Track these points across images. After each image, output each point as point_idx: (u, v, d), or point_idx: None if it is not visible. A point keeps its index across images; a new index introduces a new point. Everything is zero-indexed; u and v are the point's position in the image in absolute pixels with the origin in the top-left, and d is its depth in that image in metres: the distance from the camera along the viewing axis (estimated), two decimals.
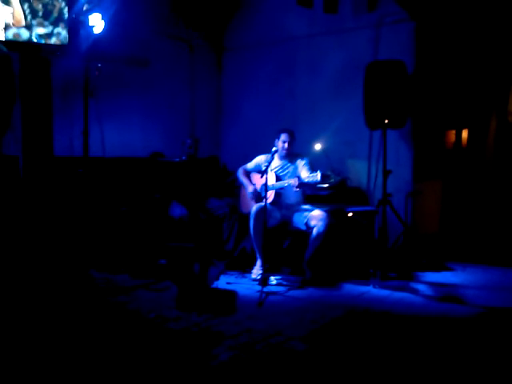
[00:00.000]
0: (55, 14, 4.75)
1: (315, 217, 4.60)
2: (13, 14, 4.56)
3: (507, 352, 3.08)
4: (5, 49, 4.11)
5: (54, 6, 4.74)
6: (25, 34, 4.64)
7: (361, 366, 2.84)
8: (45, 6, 4.70)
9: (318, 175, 4.30)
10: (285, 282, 4.59)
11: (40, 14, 4.70)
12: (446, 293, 4.35)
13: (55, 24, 4.77)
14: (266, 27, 6.90)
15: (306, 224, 4.64)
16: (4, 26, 4.53)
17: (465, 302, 4.06)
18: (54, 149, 5.01)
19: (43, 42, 4.74)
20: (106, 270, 4.75)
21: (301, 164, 4.79)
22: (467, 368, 2.83)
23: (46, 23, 4.73)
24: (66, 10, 4.80)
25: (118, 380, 2.63)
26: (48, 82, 4.95)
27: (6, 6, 4.53)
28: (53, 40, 4.78)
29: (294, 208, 4.82)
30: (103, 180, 5.23)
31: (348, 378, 2.70)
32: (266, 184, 4.41)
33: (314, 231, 4.54)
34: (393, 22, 5.86)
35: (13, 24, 4.53)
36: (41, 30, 4.72)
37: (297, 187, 4.45)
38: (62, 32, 4.80)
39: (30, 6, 4.64)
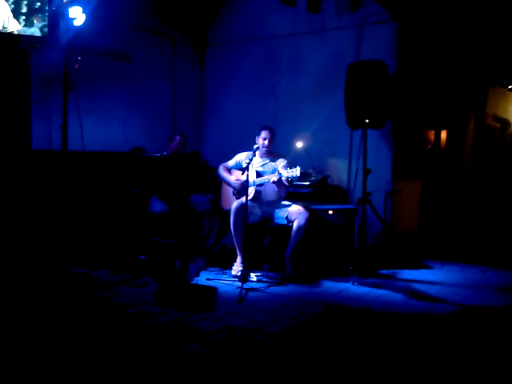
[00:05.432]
0: (35, 6, 4.66)
1: (295, 211, 4.63)
2: None
3: (482, 348, 3.13)
4: None
5: None
6: (3, 26, 4.55)
7: (339, 363, 2.86)
8: None
9: (297, 171, 4.33)
10: (265, 279, 4.59)
11: (20, 5, 4.61)
12: (423, 290, 4.40)
13: (35, 16, 4.68)
14: (249, 24, 6.88)
15: (287, 218, 4.67)
16: None
17: (442, 300, 4.12)
18: (32, 142, 4.92)
19: (22, 33, 4.65)
20: (85, 265, 4.68)
21: (281, 163, 4.80)
22: (443, 364, 2.87)
23: (26, 15, 4.64)
24: (46, 2, 4.71)
25: (91, 370, 2.60)
26: (26, 75, 4.84)
27: None
28: (32, 32, 4.69)
29: (275, 204, 4.83)
30: (82, 174, 5.15)
31: (325, 375, 2.71)
32: (247, 180, 4.40)
33: (295, 225, 4.57)
34: (375, 23, 5.91)
35: None
36: (20, 22, 4.63)
37: (275, 182, 4.46)
38: (42, 24, 4.71)
39: None
